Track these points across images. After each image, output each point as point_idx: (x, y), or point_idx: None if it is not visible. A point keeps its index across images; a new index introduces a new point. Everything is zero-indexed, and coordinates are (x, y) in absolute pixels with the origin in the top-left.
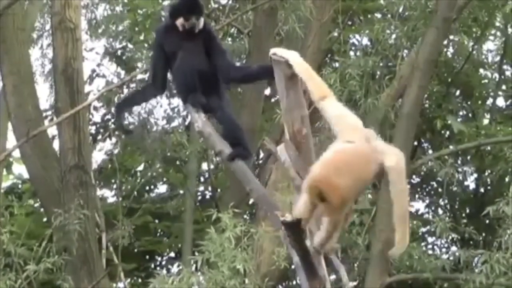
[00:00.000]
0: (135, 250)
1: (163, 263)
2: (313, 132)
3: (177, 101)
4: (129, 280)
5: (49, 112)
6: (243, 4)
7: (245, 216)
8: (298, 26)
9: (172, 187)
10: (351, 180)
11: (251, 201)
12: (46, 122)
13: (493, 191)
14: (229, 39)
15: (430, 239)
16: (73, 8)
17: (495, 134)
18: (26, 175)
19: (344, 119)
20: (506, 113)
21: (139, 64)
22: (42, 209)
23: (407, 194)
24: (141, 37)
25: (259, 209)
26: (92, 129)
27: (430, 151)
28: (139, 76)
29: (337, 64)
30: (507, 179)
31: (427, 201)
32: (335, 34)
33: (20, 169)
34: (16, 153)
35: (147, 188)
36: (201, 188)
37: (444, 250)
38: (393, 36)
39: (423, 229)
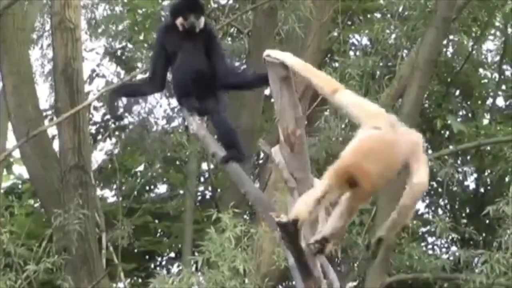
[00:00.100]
0: (135, 250)
1: (163, 263)
2: (313, 132)
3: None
4: (129, 280)
5: (49, 112)
6: (243, 4)
7: (245, 216)
8: (298, 26)
9: (172, 187)
10: (381, 167)
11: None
12: (46, 122)
13: (493, 191)
14: (229, 39)
15: (430, 239)
16: (72, 8)
17: (495, 134)
18: (26, 175)
19: (365, 106)
20: (506, 113)
21: (139, 64)
22: (42, 209)
23: (422, 192)
24: (141, 37)
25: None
26: (92, 129)
27: (430, 151)
28: (139, 76)
29: (337, 64)
30: (507, 179)
31: (427, 201)
32: (335, 34)
33: (20, 169)
34: (16, 153)
35: (147, 188)
36: (201, 188)
37: (444, 250)
38: (393, 36)
39: (423, 229)
